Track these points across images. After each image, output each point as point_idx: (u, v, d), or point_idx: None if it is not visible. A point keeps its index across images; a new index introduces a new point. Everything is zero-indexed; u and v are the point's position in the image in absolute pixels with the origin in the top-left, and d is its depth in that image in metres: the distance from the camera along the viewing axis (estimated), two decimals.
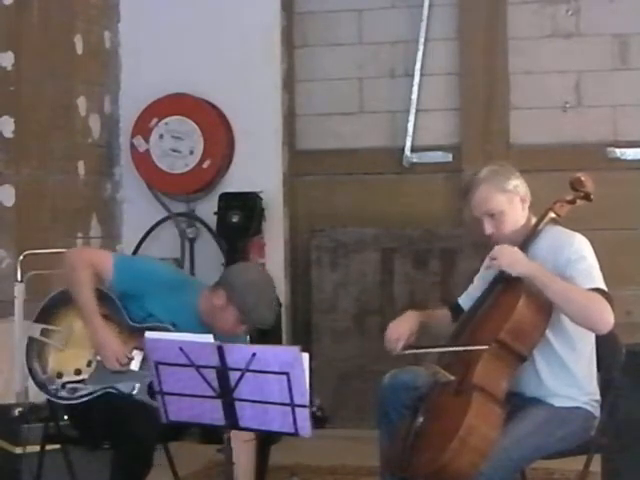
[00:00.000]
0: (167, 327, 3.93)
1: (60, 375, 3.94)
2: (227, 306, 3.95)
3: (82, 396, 3.91)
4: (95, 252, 4.10)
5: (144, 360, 3.89)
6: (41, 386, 3.97)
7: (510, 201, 3.68)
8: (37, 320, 4.01)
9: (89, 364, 3.95)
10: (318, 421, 3.44)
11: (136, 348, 3.93)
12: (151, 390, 3.80)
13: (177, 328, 3.93)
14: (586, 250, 3.61)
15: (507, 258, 3.55)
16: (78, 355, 3.96)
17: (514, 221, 3.68)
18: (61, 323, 4.00)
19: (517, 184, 3.71)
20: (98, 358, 3.94)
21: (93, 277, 3.95)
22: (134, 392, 3.89)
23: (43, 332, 3.98)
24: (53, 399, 3.95)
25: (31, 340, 3.99)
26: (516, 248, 3.58)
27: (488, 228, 3.67)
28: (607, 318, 3.46)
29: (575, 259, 3.56)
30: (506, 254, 3.56)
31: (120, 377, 3.92)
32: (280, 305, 6.29)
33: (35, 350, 3.98)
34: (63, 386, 3.93)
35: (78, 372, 3.95)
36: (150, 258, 4.21)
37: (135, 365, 3.93)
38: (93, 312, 3.94)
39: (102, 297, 3.98)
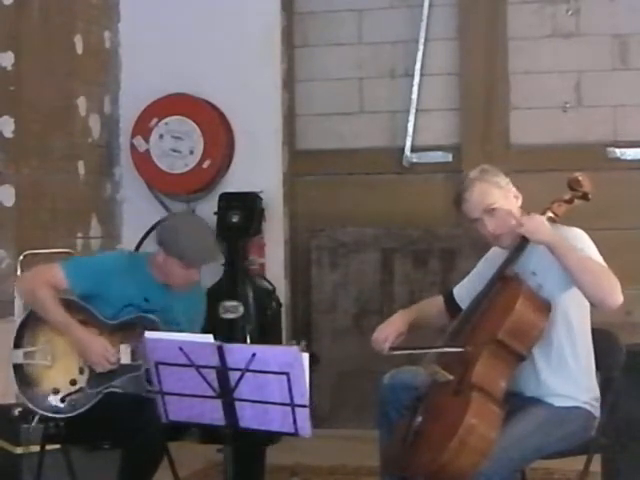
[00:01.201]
0: (147, 317, 3.98)
1: (56, 391, 3.97)
2: (167, 259, 4.01)
3: (83, 405, 3.94)
4: (43, 269, 4.14)
5: (134, 351, 3.93)
6: (41, 407, 3.98)
7: (506, 197, 3.70)
8: (16, 346, 4.00)
9: (81, 371, 3.98)
10: (312, 360, 3.53)
11: (122, 343, 3.96)
12: (148, 377, 3.85)
13: (149, 303, 4.02)
14: (588, 241, 3.64)
15: (532, 225, 3.56)
16: (68, 366, 3.99)
17: (510, 216, 3.67)
18: (41, 341, 4.01)
19: (508, 181, 3.74)
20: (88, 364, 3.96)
21: (53, 291, 4.00)
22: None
23: (26, 355, 3.98)
24: (56, 415, 3.96)
25: (16, 367, 3.98)
26: (544, 218, 3.59)
27: (490, 225, 3.66)
28: (617, 294, 3.47)
29: (580, 248, 3.58)
30: (532, 221, 3.57)
31: (116, 373, 3.94)
32: (280, 304, 6.32)
33: (24, 375, 3.98)
34: (62, 400, 3.95)
35: (74, 382, 3.98)
36: (96, 254, 4.27)
37: (126, 359, 3.95)
38: (68, 322, 3.97)
39: (71, 305, 4.02)
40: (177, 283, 4.05)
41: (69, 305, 4.00)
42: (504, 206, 3.67)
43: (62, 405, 3.94)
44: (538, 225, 3.57)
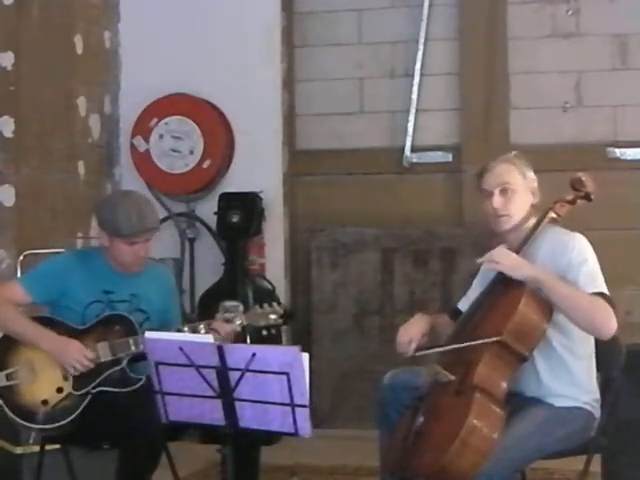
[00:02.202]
0: (116, 313, 4.00)
1: (46, 402, 3.95)
2: (112, 240, 4.02)
3: (76, 408, 3.94)
4: (1, 290, 4.15)
5: (112, 347, 3.95)
6: (36, 422, 3.97)
7: (525, 187, 3.69)
8: None
9: (65, 378, 3.98)
10: (286, 317, 3.95)
11: (97, 342, 3.97)
12: (130, 365, 3.93)
13: (114, 294, 4.04)
14: (587, 252, 3.60)
15: (510, 261, 3.55)
16: (51, 376, 3.98)
17: (521, 208, 3.68)
18: (19, 360, 4.00)
19: (535, 178, 3.73)
20: (70, 373, 3.96)
21: (16, 308, 4.02)
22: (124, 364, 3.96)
23: (8, 377, 3.97)
24: (52, 426, 3.95)
25: (1, 390, 3.97)
26: (512, 253, 3.56)
27: (497, 201, 3.65)
28: (611, 325, 3.47)
29: (577, 262, 3.55)
30: (508, 258, 3.55)
31: (100, 371, 3.95)
32: (280, 304, 6.30)
33: (10, 396, 3.97)
34: (54, 409, 3.95)
35: (60, 390, 3.97)
36: (46, 260, 4.27)
37: (106, 355, 3.96)
38: (36, 330, 3.98)
39: (42, 322, 4.02)
40: (127, 262, 4.04)
41: (39, 322, 4.02)
42: (520, 193, 3.67)
43: (54, 415, 3.93)
44: (516, 262, 3.53)
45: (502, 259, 3.56)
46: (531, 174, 3.72)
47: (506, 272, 3.55)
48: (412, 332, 3.75)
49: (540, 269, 3.54)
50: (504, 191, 3.66)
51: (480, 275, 3.92)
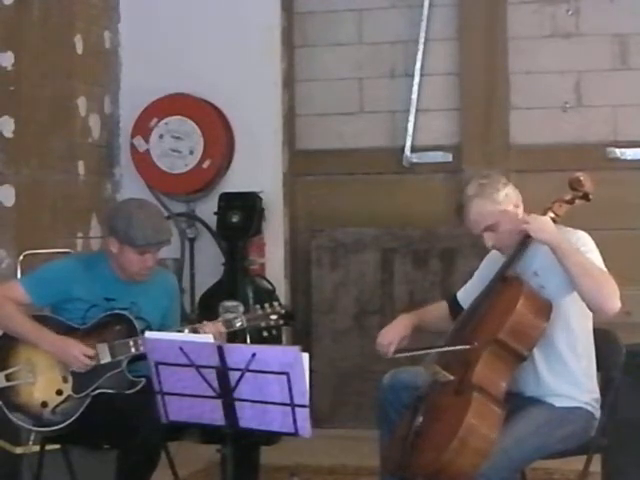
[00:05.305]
0: (117, 313, 3.99)
1: (45, 404, 3.95)
2: (122, 247, 4.01)
3: (75, 411, 3.93)
4: (2, 288, 4.14)
5: (112, 347, 3.95)
6: (35, 424, 3.97)
7: (504, 211, 3.68)
8: None
9: (65, 380, 3.98)
10: (287, 317, 3.98)
11: (97, 343, 3.96)
12: (130, 365, 3.93)
13: (115, 302, 4.03)
14: (591, 245, 3.65)
15: (537, 225, 3.58)
16: (50, 378, 3.98)
17: (512, 228, 3.68)
18: (19, 361, 3.99)
19: (507, 193, 3.70)
20: (70, 369, 3.95)
21: (16, 306, 4.01)
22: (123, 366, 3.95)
23: (8, 378, 3.96)
24: (52, 428, 3.95)
25: (1, 390, 3.97)
26: (549, 219, 3.61)
27: (489, 241, 3.70)
28: (616, 300, 3.49)
29: (583, 251, 3.59)
30: (538, 221, 3.59)
31: (99, 374, 3.95)
32: (280, 304, 6.30)
33: (11, 397, 3.96)
34: (53, 412, 3.94)
35: (59, 392, 3.97)
36: (49, 262, 4.27)
37: (105, 358, 3.95)
38: (36, 329, 3.98)
39: (41, 319, 4.03)
40: (133, 271, 4.04)
41: (39, 320, 4.02)
42: (502, 221, 3.66)
43: (54, 417, 3.94)
44: (543, 224, 3.58)
45: (532, 220, 3.60)
46: (501, 194, 3.68)
47: (530, 233, 3.57)
48: (392, 334, 3.82)
49: (560, 236, 3.56)
50: (489, 230, 3.68)
51: (482, 268, 3.93)
